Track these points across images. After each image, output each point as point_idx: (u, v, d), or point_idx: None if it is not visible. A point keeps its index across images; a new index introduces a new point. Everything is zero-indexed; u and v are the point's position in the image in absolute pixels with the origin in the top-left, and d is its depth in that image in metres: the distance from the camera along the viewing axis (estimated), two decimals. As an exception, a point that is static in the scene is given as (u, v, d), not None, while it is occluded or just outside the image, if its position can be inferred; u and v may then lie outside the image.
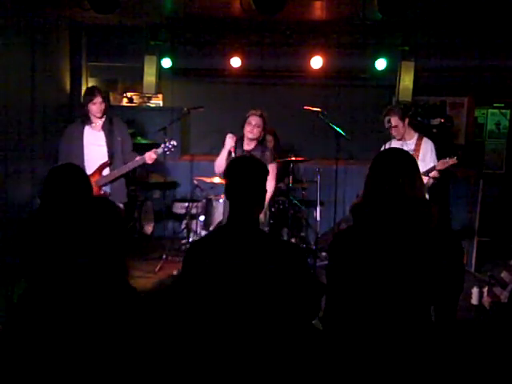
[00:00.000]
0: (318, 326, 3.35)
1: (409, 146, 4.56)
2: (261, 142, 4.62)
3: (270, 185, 4.73)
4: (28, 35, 5.62)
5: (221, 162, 4.51)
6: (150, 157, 4.56)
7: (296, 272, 2.09)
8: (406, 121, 4.63)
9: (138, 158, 4.60)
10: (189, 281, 2.13)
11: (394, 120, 4.58)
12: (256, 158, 2.37)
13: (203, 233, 5.83)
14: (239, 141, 4.54)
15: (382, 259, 1.91)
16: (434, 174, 4.44)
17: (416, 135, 4.67)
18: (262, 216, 4.92)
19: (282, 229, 5.77)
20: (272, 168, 4.65)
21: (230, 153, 4.43)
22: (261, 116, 4.48)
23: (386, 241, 1.92)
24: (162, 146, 4.64)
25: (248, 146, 4.54)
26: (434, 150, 4.60)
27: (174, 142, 4.66)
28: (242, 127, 4.52)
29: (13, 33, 5.38)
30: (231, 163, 2.26)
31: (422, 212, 1.93)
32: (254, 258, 2.06)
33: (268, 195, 4.71)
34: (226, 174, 2.22)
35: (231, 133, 4.53)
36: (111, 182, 4.59)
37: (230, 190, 2.18)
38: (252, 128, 4.46)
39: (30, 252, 2.32)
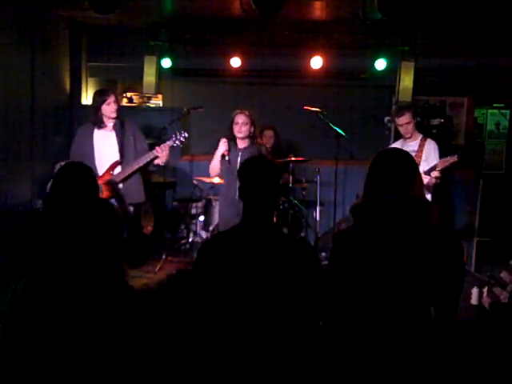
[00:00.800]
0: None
1: (412, 146, 4.55)
2: (252, 138, 4.54)
3: None
4: (28, 35, 5.62)
5: (215, 166, 4.47)
6: (159, 149, 4.41)
7: (311, 271, 2.08)
8: (416, 120, 4.63)
9: (149, 153, 4.49)
10: (201, 278, 2.13)
11: (408, 117, 4.55)
12: (269, 159, 2.36)
13: (203, 233, 5.84)
14: (231, 142, 4.46)
15: (383, 259, 1.91)
16: (435, 173, 4.42)
17: (420, 136, 4.66)
18: None
19: (281, 229, 5.77)
20: None
21: (223, 156, 4.38)
22: (245, 112, 4.42)
23: (386, 241, 1.92)
24: (173, 138, 4.56)
25: (242, 144, 4.47)
26: (437, 150, 4.58)
27: (185, 134, 4.58)
28: (230, 129, 4.44)
29: (13, 33, 5.39)
30: (245, 164, 2.24)
31: (422, 212, 1.93)
32: (270, 257, 2.05)
33: None
34: (239, 176, 2.21)
35: (225, 137, 4.44)
36: (123, 180, 4.51)
37: (244, 191, 2.16)
38: (240, 127, 4.39)
39: (32, 250, 2.33)
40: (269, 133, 6.01)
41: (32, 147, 5.70)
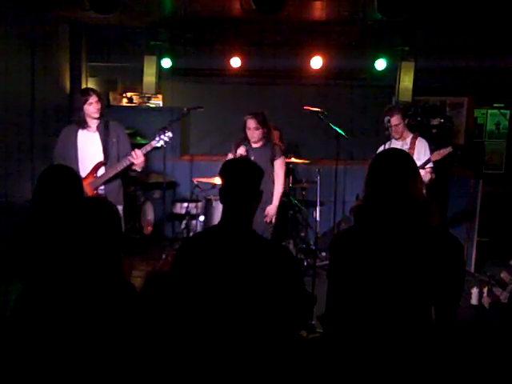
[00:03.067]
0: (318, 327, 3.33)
1: (404, 145, 4.65)
2: (266, 138, 4.67)
3: (279, 181, 4.75)
4: (28, 35, 5.62)
5: None
6: (134, 155, 4.35)
7: (284, 275, 2.06)
8: (406, 120, 4.74)
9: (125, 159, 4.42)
10: (177, 279, 2.12)
11: (397, 118, 4.69)
12: (251, 161, 2.35)
13: (203, 233, 5.83)
14: (245, 141, 4.66)
15: (384, 260, 1.91)
16: (429, 169, 4.54)
17: (411, 135, 4.84)
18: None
19: (282, 229, 5.77)
20: (281, 162, 4.75)
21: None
22: (256, 117, 4.54)
23: (387, 241, 1.91)
24: (157, 138, 4.50)
25: (255, 144, 4.68)
26: (428, 148, 4.74)
27: (169, 133, 4.53)
28: (243, 130, 4.64)
29: (13, 33, 5.38)
30: (225, 165, 2.23)
31: (422, 212, 1.92)
32: (244, 260, 2.04)
33: (278, 191, 4.74)
34: (220, 176, 2.20)
35: (240, 141, 4.68)
36: (105, 182, 4.47)
37: (224, 192, 2.15)
38: (252, 132, 4.58)
39: (24, 254, 2.33)
40: (276, 133, 6.02)
41: (32, 147, 5.70)
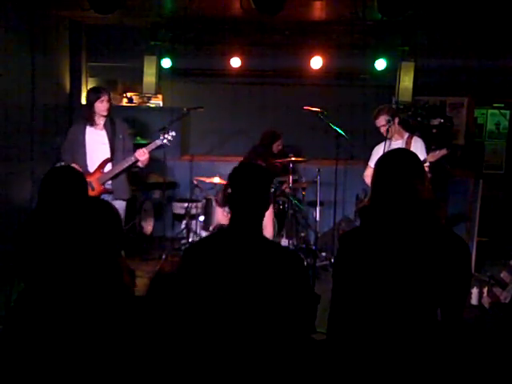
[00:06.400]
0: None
1: (398, 145, 4.64)
2: None
3: None
4: (28, 35, 5.62)
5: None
6: (141, 153, 4.52)
7: (295, 281, 2.04)
8: (396, 120, 4.71)
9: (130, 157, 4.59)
10: (184, 283, 2.10)
11: (381, 120, 4.74)
12: (259, 165, 2.31)
13: (203, 233, 5.84)
14: None
15: (390, 260, 1.89)
16: (425, 168, 4.51)
17: (407, 134, 4.81)
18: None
19: (282, 229, 5.77)
20: None
21: None
22: None
23: (393, 242, 1.90)
24: (161, 137, 4.67)
25: None
26: (424, 148, 4.71)
27: (173, 133, 4.69)
28: None
29: (13, 33, 5.39)
30: (234, 171, 2.19)
31: (429, 212, 1.90)
32: (255, 265, 2.02)
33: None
34: (229, 182, 2.15)
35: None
36: (112, 178, 4.60)
37: (232, 199, 2.11)
38: None
39: (27, 253, 2.33)
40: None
41: (32, 147, 5.70)
